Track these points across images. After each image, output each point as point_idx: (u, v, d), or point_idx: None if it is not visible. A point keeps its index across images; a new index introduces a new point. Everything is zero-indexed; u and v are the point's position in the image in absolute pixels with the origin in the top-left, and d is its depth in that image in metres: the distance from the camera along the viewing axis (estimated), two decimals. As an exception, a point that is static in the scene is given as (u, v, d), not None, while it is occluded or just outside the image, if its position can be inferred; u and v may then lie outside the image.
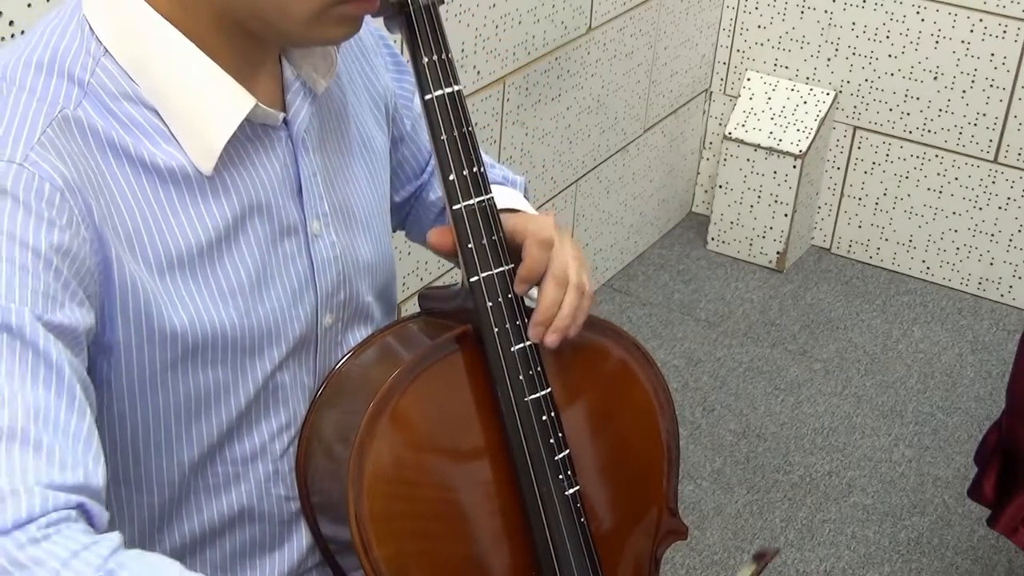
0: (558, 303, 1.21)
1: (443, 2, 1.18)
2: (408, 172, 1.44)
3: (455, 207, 1.18)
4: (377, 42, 1.34)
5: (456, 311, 1.23)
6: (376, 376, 1.19)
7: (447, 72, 1.17)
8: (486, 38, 2.62)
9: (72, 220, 1.00)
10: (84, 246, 1.01)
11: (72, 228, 1.00)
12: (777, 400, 3.07)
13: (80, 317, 1.00)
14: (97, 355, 1.07)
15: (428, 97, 1.17)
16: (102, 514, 0.95)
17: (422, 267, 2.62)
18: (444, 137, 1.18)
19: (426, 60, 1.17)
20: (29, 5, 1.66)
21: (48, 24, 1.09)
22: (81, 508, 0.93)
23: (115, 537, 0.92)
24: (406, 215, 1.49)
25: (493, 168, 1.44)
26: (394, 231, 1.48)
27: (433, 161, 1.20)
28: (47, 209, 0.99)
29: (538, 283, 1.22)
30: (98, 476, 0.95)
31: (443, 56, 1.17)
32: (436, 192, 1.44)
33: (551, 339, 1.21)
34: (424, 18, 1.17)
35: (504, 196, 1.35)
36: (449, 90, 1.18)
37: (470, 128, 1.19)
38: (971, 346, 3.32)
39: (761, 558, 1.34)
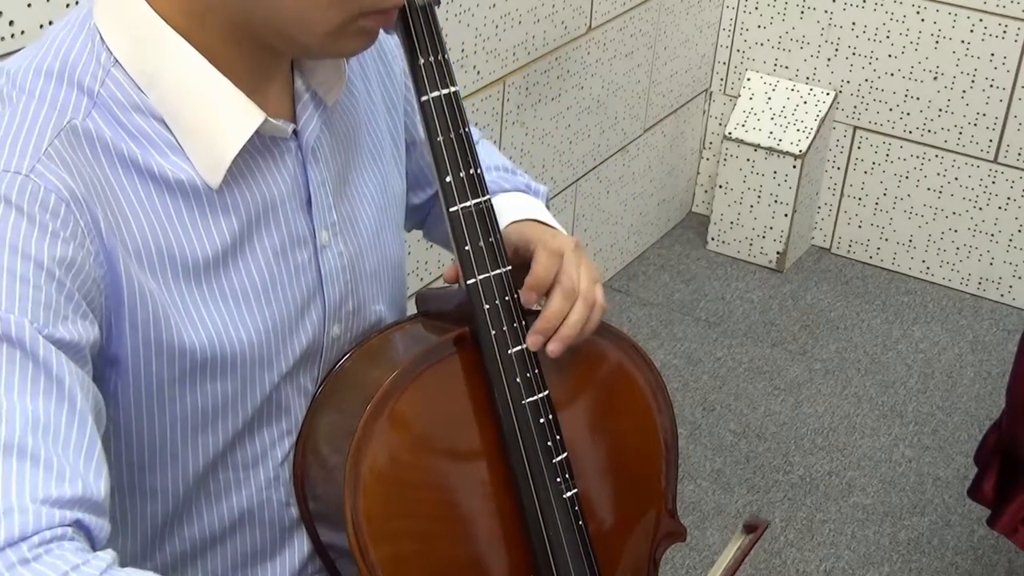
0: (563, 315, 1.21)
1: (439, 3, 1.17)
2: (429, 176, 1.43)
3: (452, 209, 1.18)
4: (397, 47, 1.33)
5: (454, 312, 1.23)
6: (374, 378, 1.19)
7: (444, 73, 1.17)
8: (486, 38, 2.62)
9: (76, 232, 1.00)
10: (89, 259, 1.00)
11: (76, 240, 0.99)
12: (777, 400, 3.07)
13: (83, 331, 0.99)
14: (104, 368, 1.07)
15: (425, 98, 1.17)
16: (101, 528, 0.94)
17: (422, 267, 2.62)
18: (441, 139, 1.17)
19: (423, 61, 1.17)
20: (29, 5, 1.66)
21: (59, 33, 1.08)
22: (78, 524, 0.92)
23: (107, 556, 0.91)
24: (425, 215, 1.48)
25: (516, 175, 1.44)
26: (410, 230, 1.47)
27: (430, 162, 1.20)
28: (51, 221, 0.98)
29: (547, 293, 1.22)
30: (99, 488, 0.94)
31: (440, 57, 1.17)
32: None
33: (553, 347, 1.21)
34: (420, 19, 1.16)
35: (523, 206, 1.35)
36: (446, 91, 1.17)
37: (467, 129, 1.18)
38: (971, 346, 3.32)
39: (752, 530, 1.30)
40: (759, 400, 3.06)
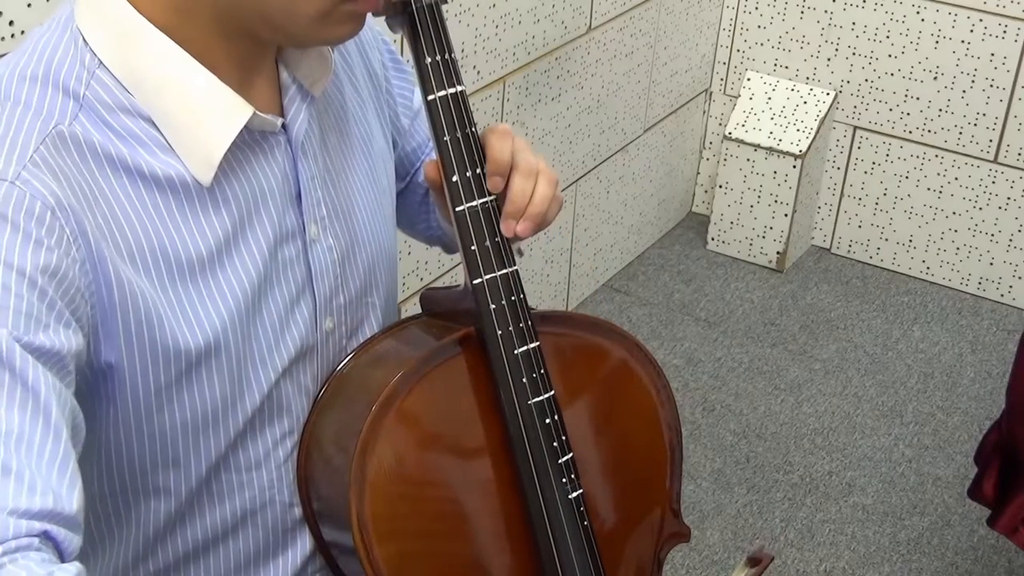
0: (528, 194, 1.20)
1: (446, 1, 1.17)
2: (407, 167, 1.44)
3: (458, 209, 1.17)
4: (375, 39, 1.34)
5: (459, 313, 1.22)
6: (379, 378, 1.18)
7: (450, 72, 1.17)
8: (486, 38, 2.62)
9: (62, 240, 0.99)
10: (74, 267, 1.00)
11: (62, 248, 0.99)
12: (777, 400, 3.07)
13: (65, 339, 0.98)
14: (98, 376, 1.06)
15: (431, 98, 1.17)
16: (71, 540, 0.92)
17: (422, 267, 2.62)
18: (447, 138, 1.17)
19: (429, 60, 1.16)
20: (29, 5, 1.66)
21: (40, 37, 1.07)
22: (46, 536, 0.90)
23: (72, 568, 0.89)
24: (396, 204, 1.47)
25: None
26: None
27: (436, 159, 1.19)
28: (36, 228, 0.97)
29: (507, 179, 1.20)
30: (71, 502, 0.93)
31: (446, 56, 1.17)
32: (420, 176, 1.44)
33: (523, 227, 1.19)
34: (427, 18, 1.16)
35: None
36: (452, 91, 1.17)
37: (473, 129, 1.18)
38: (971, 346, 3.32)
39: (756, 563, 1.30)
40: (759, 400, 3.06)
